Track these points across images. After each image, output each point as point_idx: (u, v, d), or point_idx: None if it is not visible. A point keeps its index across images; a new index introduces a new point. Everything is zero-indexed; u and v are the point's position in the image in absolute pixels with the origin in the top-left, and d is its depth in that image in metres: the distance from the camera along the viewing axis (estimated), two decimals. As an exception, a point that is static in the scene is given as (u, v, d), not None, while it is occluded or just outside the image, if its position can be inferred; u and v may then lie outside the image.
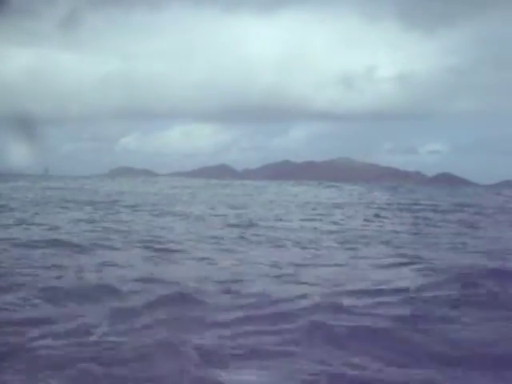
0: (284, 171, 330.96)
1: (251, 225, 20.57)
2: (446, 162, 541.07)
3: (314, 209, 31.63)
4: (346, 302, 7.96)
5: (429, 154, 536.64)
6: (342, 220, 24.20)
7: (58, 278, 9.71)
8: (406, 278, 10.26)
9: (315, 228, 20.38)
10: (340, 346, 6.01)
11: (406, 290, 8.96)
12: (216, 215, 25.20)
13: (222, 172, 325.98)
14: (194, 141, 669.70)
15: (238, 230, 18.73)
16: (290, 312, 7.24)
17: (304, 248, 14.62)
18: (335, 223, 22.56)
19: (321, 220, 23.96)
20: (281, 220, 23.55)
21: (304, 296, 8.27)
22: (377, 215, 26.76)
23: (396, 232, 19.48)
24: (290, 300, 7.98)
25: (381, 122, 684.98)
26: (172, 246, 14.31)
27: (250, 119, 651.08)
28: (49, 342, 6.10)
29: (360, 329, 6.55)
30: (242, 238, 16.66)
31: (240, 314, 7.15)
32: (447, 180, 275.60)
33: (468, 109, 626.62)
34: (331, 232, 18.88)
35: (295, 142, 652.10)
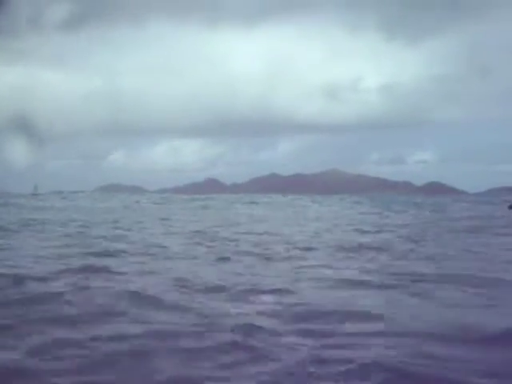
0: (272, 184, 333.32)
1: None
2: (434, 171, 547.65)
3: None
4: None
5: (416, 163, 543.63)
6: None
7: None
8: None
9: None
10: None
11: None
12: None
13: (210, 186, 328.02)
14: (181, 156, 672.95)
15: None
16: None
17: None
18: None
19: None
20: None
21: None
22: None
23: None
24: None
25: (368, 133, 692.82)
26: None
27: (237, 134, 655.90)
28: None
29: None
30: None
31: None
32: (436, 189, 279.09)
33: (454, 118, 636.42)
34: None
35: (282, 155, 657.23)
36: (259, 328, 6.69)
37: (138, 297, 8.41)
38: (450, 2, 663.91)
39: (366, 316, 7.38)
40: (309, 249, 15.44)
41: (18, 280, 9.51)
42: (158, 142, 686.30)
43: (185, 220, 29.53)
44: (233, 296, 8.74)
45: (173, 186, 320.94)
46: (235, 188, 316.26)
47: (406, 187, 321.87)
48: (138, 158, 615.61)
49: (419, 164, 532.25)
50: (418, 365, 5.44)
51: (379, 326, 6.88)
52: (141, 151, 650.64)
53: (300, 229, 23.37)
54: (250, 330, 6.62)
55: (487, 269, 11.63)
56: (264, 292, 9.02)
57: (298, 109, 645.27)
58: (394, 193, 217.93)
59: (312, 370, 5.31)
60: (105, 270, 10.93)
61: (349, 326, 6.92)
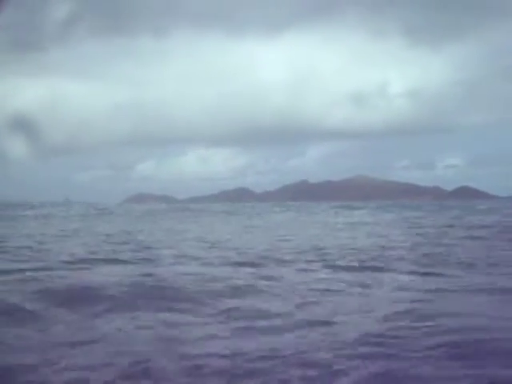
0: (302, 191, 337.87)
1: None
2: (464, 175, 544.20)
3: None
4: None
5: (446, 168, 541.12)
6: None
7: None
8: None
9: None
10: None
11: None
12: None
13: (240, 194, 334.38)
14: (210, 165, 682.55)
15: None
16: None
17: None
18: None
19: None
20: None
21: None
22: None
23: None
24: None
25: (396, 139, 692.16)
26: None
27: (265, 142, 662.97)
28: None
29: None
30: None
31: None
32: (466, 193, 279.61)
33: (482, 121, 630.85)
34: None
35: (311, 163, 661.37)
36: None
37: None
38: (471, 6, 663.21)
39: None
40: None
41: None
42: (185, 152, 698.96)
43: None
44: None
45: (202, 194, 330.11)
46: (265, 196, 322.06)
47: (436, 192, 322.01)
48: (166, 167, 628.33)
49: (449, 169, 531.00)
50: None
51: None
52: (169, 161, 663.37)
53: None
54: None
55: None
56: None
57: (325, 116, 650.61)
58: (424, 198, 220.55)
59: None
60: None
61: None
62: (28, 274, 10.98)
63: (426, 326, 6.79)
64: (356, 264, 13.50)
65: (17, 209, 57.85)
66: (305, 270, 12.53)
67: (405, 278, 11.19)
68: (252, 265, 13.35)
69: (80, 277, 10.97)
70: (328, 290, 9.74)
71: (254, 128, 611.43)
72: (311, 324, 7.15)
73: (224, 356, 5.88)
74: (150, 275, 10.68)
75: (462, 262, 13.70)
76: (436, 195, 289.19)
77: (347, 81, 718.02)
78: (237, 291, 9.51)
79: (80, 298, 8.71)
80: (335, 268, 12.80)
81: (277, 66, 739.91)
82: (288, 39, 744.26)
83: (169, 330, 7.07)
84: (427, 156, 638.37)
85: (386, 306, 8.18)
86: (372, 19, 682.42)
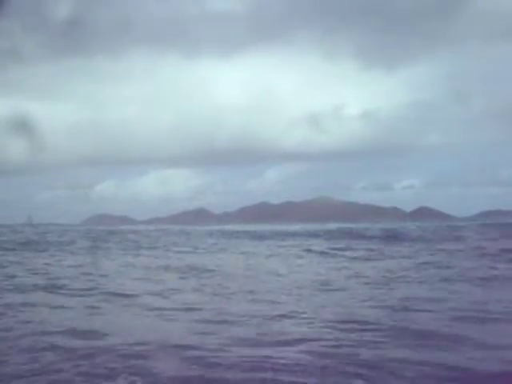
0: (263, 213, 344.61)
1: None
2: (421, 196, 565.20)
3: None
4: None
5: (404, 189, 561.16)
6: None
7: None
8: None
9: None
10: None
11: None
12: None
13: (200, 216, 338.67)
14: (169, 186, 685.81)
15: None
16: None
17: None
18: None
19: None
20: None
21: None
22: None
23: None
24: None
25: (353, 160, 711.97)
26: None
27: (224, 163, 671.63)
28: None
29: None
30: None
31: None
32: (425, 214, 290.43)
33: (437, 143, 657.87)
34: None
35: (271, 184, 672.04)
36: None
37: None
38: (422, 31, 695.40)
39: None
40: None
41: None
42: (144, 172, 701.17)
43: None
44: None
45: (162, 215, 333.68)
46: (225, 217, 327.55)
47: (395, 213, 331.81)
48: (125, 188, 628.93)
49: (406, 189, 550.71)
50: None
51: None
52: (128, 181, 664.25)
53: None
54: None
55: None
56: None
57: (282, 137, 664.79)
58: (383, 219, 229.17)
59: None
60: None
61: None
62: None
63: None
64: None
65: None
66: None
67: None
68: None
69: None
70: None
71: (212, 149, 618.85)
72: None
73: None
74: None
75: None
76: (395, 216, 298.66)
77: (303, 103, 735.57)
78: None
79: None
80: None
81: (233, 87, 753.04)
82: (243, 61, 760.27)
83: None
84: (384, 177, 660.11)
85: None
86: (326, 42, 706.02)
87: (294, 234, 53.56)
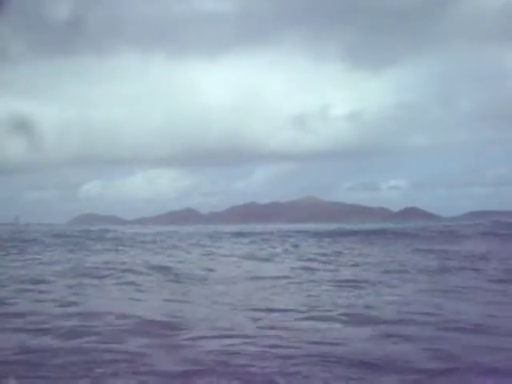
0: (250, 213, 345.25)
1: None
2: (407, 196, 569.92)
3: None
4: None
5: (390, 189, 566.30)
6: None
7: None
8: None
9: None
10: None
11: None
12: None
13: (187, 215, 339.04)
14: (156, 186, 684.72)
15: None
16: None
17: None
18: None
19: None
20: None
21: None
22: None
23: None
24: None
25: (339, 161, 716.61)
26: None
27: (211, 164, 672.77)
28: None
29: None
30: None
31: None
32: (411, 214, 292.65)
33: (423, 144, 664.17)
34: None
35: (258, 184, 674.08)
36: None
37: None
38: (407, 32, 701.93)
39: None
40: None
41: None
42: (132, 172, 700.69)
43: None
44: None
45: (150, 215, 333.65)
46: (212, 217, 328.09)
47: (382, 213, 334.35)
48: (112, 187, 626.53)
49: (393, 190, 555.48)
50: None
51: None
52: (115, 181, 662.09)
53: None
54: None
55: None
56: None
57: (269, 138, 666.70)
58: (371, 219, 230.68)
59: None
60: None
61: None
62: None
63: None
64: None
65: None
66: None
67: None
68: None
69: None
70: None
71: (199, 149, 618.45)
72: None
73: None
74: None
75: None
76: (382, 216, 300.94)
77: (290, 103, 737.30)
78: None
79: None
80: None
81: (220, 87, 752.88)
82: (231, 61, 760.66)
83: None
84: (371, 177, 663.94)
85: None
86: (312, 43, 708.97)
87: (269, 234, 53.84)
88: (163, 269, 19.45)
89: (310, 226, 78.87)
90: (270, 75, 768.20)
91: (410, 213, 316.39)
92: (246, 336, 8.75)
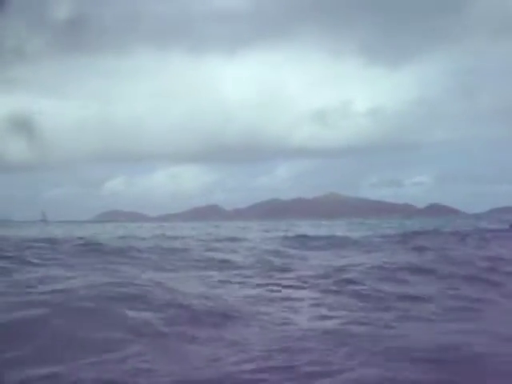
0: (274, 209, 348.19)
1: None
2: (432, 192, 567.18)
3: None
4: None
5: (414, 185, 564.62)
6: None
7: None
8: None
9: None
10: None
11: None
12: None
13: (211, 212, 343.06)
14: (179, 182, 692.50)
15: None
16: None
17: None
18: None
19: None
20: None
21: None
22: None
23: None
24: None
25: (362, 156, 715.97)
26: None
27: (233, 159, 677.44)
28: None
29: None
30: None
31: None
32: (437, 211, 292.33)
33: (445, 138, 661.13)
34: None
35: (281, 180, 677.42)
36: None
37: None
38: (427, 28, 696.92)
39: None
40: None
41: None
42: (155, 169, 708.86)
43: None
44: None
45: (174, 211, 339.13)
46: (236, 214, 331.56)
47: (407, 209, 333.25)
48: (135, 184, 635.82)
49: (417, 186, 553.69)
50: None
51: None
52: (138, 177, 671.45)
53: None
54: None
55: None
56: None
57: (290, 134, 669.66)
58: (395, 216, 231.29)
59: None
60: None
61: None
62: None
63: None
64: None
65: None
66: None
67: None
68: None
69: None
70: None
71: (220, 145, 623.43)
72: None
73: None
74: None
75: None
76: (407, 212, 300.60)
77: (310, 99, 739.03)
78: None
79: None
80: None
81: (240, 83, 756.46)
82: (250, 57, 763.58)
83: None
84: (394, 173, 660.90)
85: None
86: (331, 39, 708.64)
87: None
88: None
89: (341, 223, 77.78)
90: (289, 70, 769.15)
91: (434, 209, 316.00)
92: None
